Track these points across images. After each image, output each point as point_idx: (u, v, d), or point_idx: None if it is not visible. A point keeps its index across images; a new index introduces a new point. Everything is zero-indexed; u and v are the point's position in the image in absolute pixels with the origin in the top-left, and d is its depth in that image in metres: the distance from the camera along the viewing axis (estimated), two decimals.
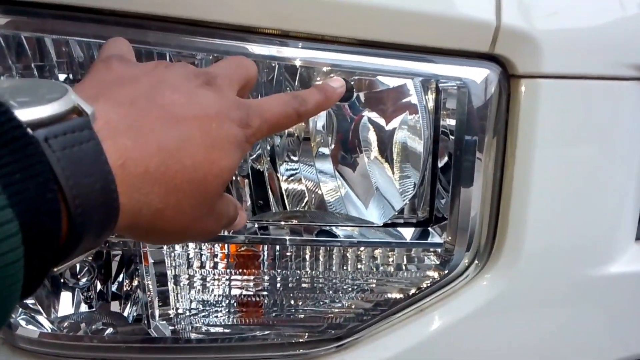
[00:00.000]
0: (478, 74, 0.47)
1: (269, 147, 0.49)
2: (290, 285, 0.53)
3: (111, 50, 0.38)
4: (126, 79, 0.34)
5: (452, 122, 0.49)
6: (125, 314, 0.52)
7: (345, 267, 0.53)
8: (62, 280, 0.52)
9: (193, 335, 0.53)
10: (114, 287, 0.52)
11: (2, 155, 0.22)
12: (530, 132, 0.48)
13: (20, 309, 0.51)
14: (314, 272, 0.53)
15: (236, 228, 0.45)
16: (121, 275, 0.52)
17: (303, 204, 0.51)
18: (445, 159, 0.50)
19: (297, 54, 0.46)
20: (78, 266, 0.51)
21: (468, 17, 0.44)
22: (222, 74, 0.38)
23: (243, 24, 0.43)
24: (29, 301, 0.52)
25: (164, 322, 0.52)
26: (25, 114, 0.24)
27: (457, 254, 0.52)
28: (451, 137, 0.49)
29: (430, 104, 0.49)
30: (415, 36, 0.45)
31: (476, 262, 0.53)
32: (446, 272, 0.53)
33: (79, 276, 0.51)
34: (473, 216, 0.51)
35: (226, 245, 0.52)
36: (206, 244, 0.52)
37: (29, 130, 0.24)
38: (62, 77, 0.46)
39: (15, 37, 0.44)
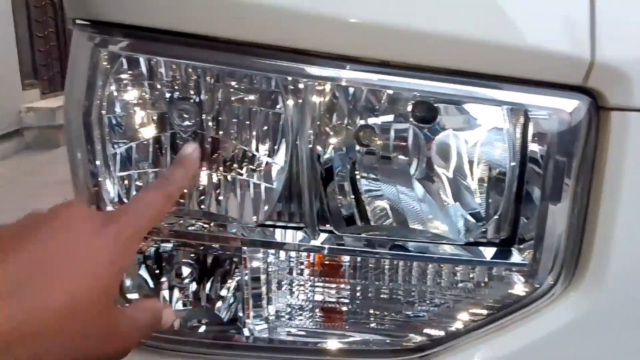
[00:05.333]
0: (568, 105, 0.48)
1: (348, 167, 0.51)
2: (369, 295, 0.55)
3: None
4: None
5: (539, 146, 0.49)
6: (221, 313, 0.56)
7: (425, 282, 0.54)
8: (164, 279, 0.56)
9: (281, 337, 0.56)
10: (209, 288, 0.56)
11: None
12: (619, 160, 0.48)
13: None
14: (392, 284, 0.54)
15: (165, 327, 0.47)
16: (217, 277, 0.55)
17: (385, 220, 0.52)
18: (532, 180, 0.50)
19: (390, 81, 0.48)
20: (183, 269, 0.55)
21: (564, 52, 0.44)
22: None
23: (347, 54, 0.46)
24: (132, 295, 0.56)
25: (257, 323, 0.55)
26: None
27: (542, 273, 0.52)
28: (538, 160, 0.49)
29: (518, 128, 0.49)
30: (508, 68, 0.46)
31: (561, 280, 0.53)
32: (530, 290, 0.53)
33: (183, 276, 0.55)
34: (559, 234, 0.51)
35: (311, 255, 0.54)
36: (293, 252, 0.55)
37: None
38: (167, 94, 0.50)
39: (131, 58, 0.49)
